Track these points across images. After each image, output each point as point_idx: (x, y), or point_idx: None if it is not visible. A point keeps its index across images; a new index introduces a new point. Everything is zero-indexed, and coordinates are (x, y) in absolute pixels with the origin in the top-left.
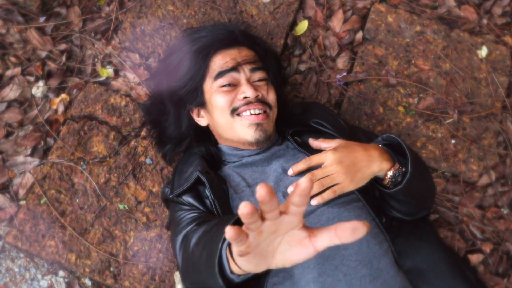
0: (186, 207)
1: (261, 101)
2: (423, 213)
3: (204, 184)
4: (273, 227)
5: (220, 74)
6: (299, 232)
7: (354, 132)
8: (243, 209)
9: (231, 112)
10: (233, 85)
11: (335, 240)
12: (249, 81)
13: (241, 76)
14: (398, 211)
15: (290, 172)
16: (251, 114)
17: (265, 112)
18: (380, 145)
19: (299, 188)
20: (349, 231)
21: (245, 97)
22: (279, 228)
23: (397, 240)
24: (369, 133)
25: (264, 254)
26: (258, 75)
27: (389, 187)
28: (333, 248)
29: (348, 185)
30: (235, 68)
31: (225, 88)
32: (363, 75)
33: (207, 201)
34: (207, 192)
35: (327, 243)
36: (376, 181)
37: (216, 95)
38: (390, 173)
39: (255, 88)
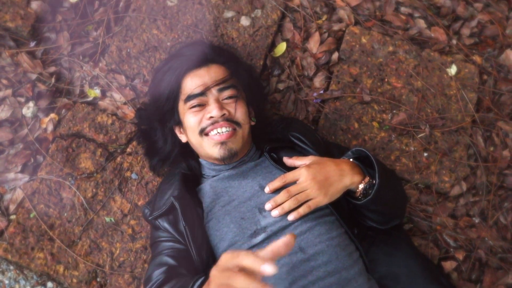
0: (161, 232)
1: (228, 119)
2: (396, 221)
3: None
4: None
5: (189, 98)
6: None
7: (328, 148)
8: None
9: (200, 132)
10: (202, 105)
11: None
12: (217, 101)
13: (209, 97)
14: (372, 220)
15: (267, 189)
16: (218, 133)
17: (233, 129)
18: (351, 159)
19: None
20: (282, 245)
21: (211, 117)
22: None
23: (372, 248)
24: (344, 148)
25: None
26: (226, 93)
27: (360, 199)
28: (303, 260)
29: (322, 200)
30: (203, 93)
31: (194, 109)
32: (338, 93)
33: (181, 224)
34: (180, 217)
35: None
36: (348, 194)
37: (187, 116)
38: (361, 186)
39: (221, 108)
